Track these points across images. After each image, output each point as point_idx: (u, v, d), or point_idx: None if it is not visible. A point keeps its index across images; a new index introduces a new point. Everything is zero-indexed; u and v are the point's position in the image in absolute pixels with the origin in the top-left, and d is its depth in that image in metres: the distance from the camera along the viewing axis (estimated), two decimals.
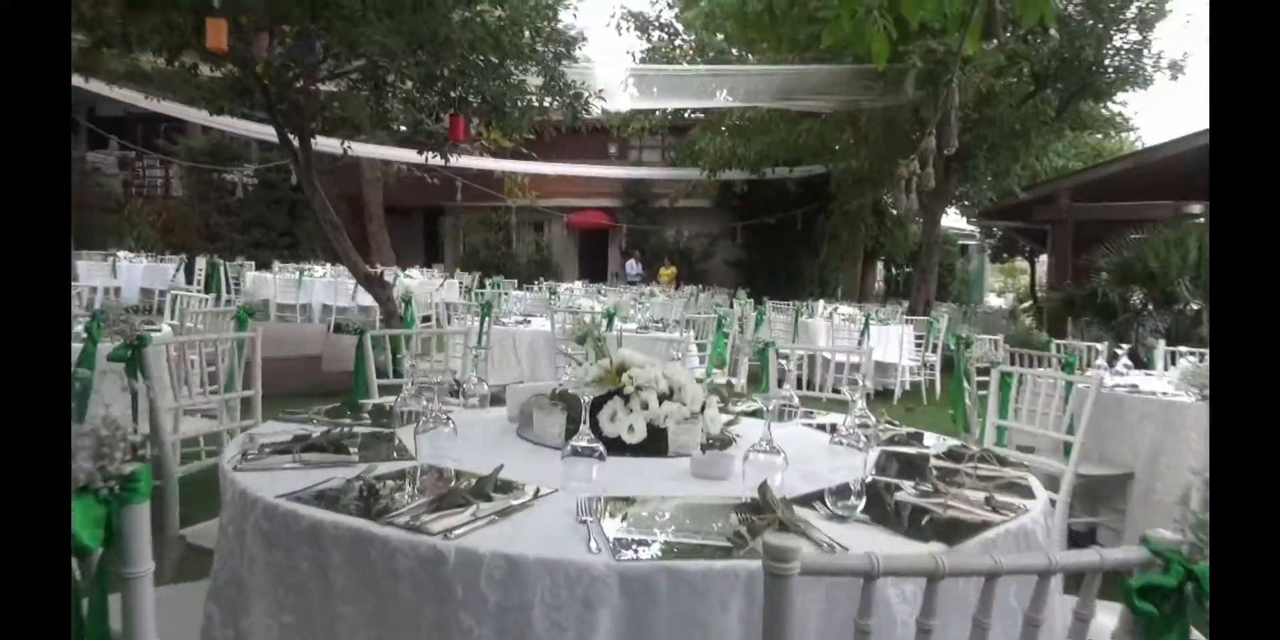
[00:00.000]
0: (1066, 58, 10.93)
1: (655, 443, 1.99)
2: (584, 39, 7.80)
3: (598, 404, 2.02)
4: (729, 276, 20.62)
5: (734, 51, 14.67)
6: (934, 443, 2.35)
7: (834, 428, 2.50)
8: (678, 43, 15.61)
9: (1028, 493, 1.79)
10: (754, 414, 2.70)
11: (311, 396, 6.00)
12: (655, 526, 1.45)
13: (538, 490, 1.59)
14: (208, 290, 12.99)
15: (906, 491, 1.71)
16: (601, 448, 1.63)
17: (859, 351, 5.16)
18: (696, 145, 15.56)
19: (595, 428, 1.99)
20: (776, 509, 1.40)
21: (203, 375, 3.39)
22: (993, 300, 27.92)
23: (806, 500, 1.62)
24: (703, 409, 2.08)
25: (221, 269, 13.08)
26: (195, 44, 6.27)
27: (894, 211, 18.70)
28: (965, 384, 4.78)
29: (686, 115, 17.35)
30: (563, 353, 2.71)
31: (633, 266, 21.18)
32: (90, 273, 12.53)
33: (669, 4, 15.30)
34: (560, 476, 1.63)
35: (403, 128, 8.60)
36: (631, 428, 1.97)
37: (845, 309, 10.05)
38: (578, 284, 14.87)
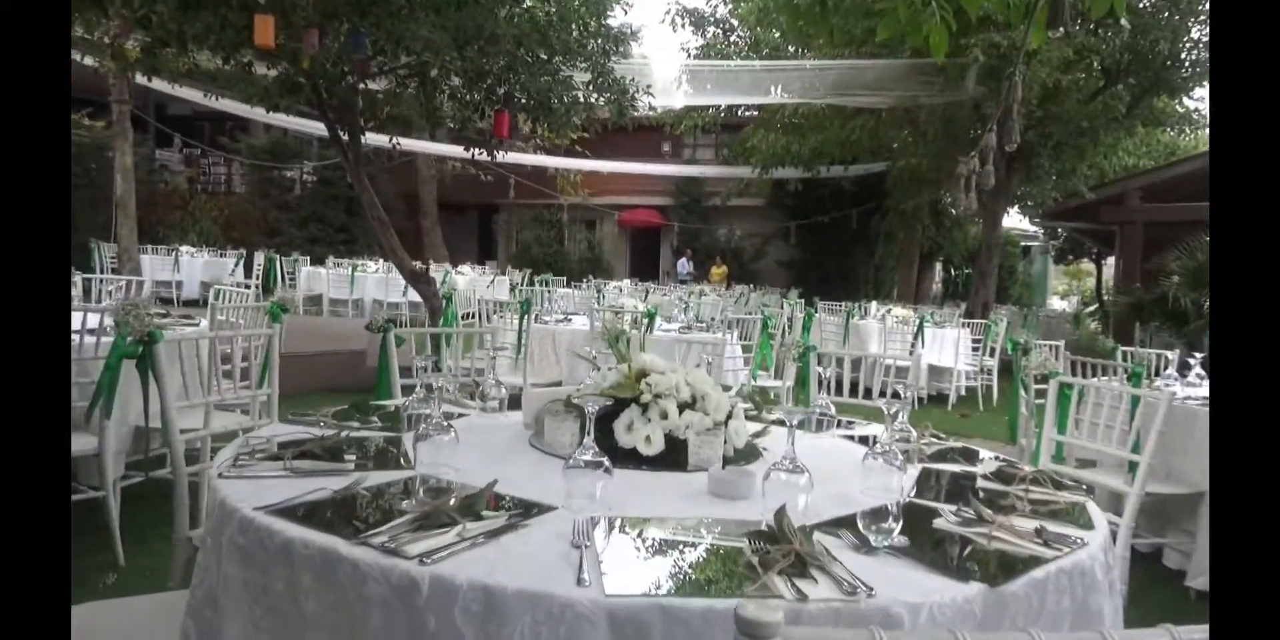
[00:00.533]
0: (1139, 50, 10.41)
1: (674, 455, 1.85)
2: (635, 35, 7.65)
3: (613, 412, 1.89)
4: (781, 277, 20.32)
5: (789, 48, 14.40)
6: (985, 459, 2.16)
7: (874, 441, 2.33)
8: (732, 39, 15.37)
9: (1086, 522, 1.60)
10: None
11: (351, 392, 5.99)
12: (658, 554, 1.32)
13: (535, 507, 1.47)
14: (265, 285, 13.27)
15: (947, 518, 1.54)
16: (607, 461, 1.50)
17: (909, 358, 4.93)
18: (749, 142, 15.32)
19: (610, 438, 1.86)
20: (793, 538, 1.25)
21: (237, 370, 3.36)
22: (1056, 303, 27.07)
23: (834, 526, 1.47)
24: (727, 419, 1.93)
25: (277, 264, 13.31)
26: (248, 42, 6.33)
27: (953, 211, 18.21)
28: (1022, 392, 4.53)
29: (740, 113, 17.11)
30: (580, 355, 2.59)
31: (684, 265, 21.01)
32: (153, 267, 12.86)
33: (723, 0, 15.09)
34: (562, 493, 1.51)
35: (452, 125, 8.58)
36: (648, 439, 1.84)
37: (899, 311, 9.73)
38: (626, 282, 14.77)
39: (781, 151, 14.67)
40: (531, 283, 12.87)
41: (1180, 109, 12.42)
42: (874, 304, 11.31)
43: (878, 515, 1.52)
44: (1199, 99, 12.81)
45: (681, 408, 1.89)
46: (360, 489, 1.52)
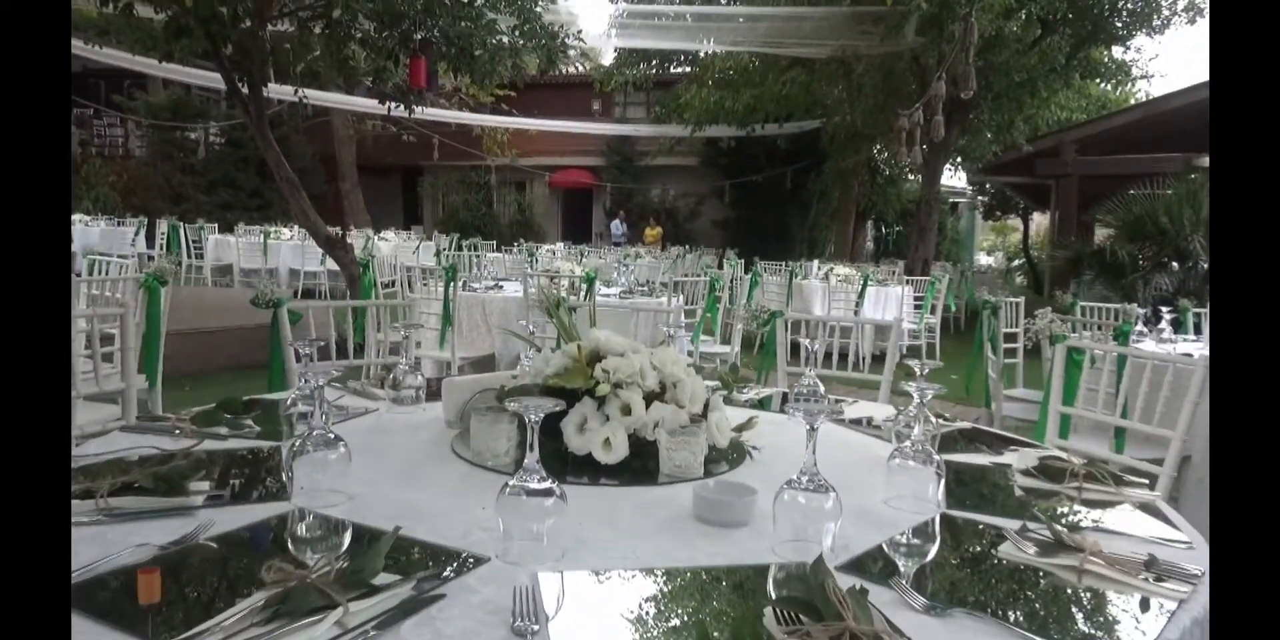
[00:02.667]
0: None
1: (640, 462, 1.43)
2: None
3: (559, 411, 1.45)
4: (716, 236, 19.99)
5: (723, 1, 13.84)
6: (1019, 448, 1.81)
7: (871, 424, 1.95)
8: None
9: (1175, 536, 1.24)
10: (763, 405, 2.15)
11: (251, 371, 5.39)
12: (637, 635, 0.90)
13: (457, 560, 1.03)
14: (169, 254, 12.31)
15: (1016, 543, 1.15)
16: (557, 488, 1.07)
17: (891, 320, 4.59)
18: (681, 99, 14.77)
19: (557, 441, 1.43)
20: (844, 610, 0.84)
21: (97, 355, 2.83)
22: (982, 259, 27.47)
23: (865, 565, 1.07)
24: (705, 412, 1.51)
25: (181, 231, 12.34)
26: None
27: (885, 169, 18.05)
28: (990, 354, 4.26)
29: (671, 69, 16.50)
30: (514, 333, 2.13)
31: (617, 227, 20.47)
32: None
33: None
34: (497, 534, 1.07)
35: (366, 79, 7.87)
36: (607, 442, 1.41)
37: (841, 269, 9.47)
38: (559, 245, 14.22)
39: (714, 107, 14.19)
40: (460, 248, 12.23)
41: (1117, 60, 12.34)
42: (815, 263, 11.04)
43: (924, 543, 1.13)
44: (1135, 49, 12.75)
45: (649, 399, 1.46)
46: (201, 540, 1.05)
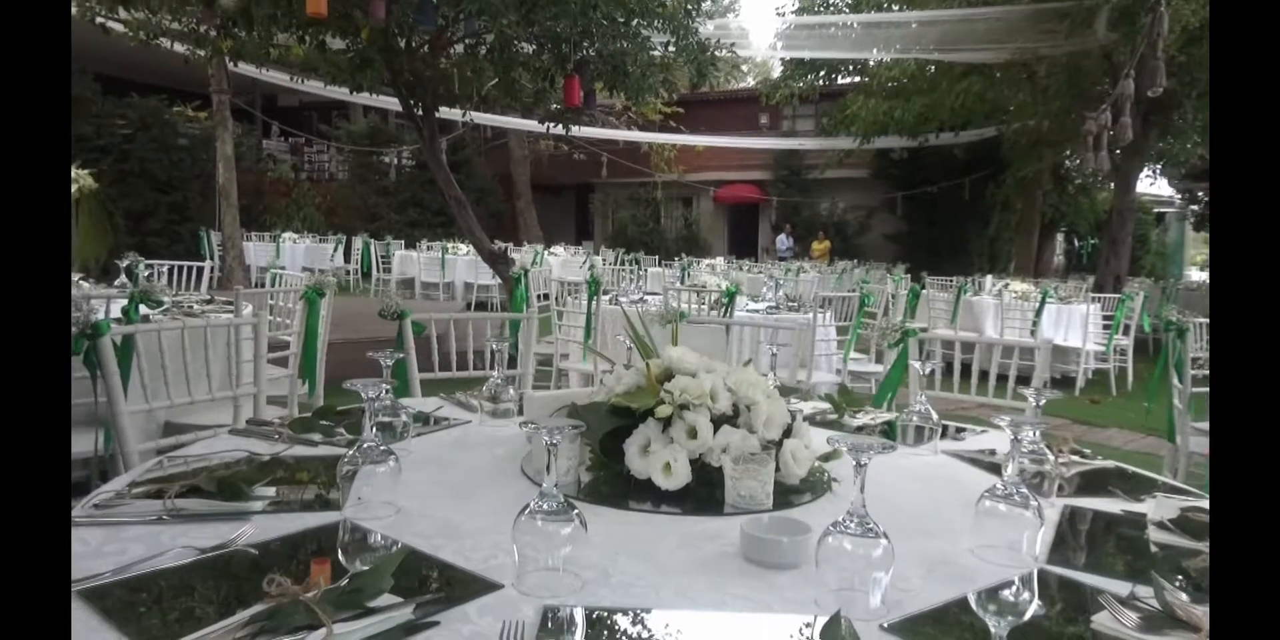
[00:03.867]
0: None
1: (706, 490, 1.34)
2: None
3: (625, 429, 1.39)
4: (888, 251, 19.25)
5: (894, 7, 13.35)
6: (1159, 495, 1.57)
7: (994, 460, 1.75)
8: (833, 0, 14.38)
9: None
10: (889, 430, 1.98)
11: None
12: None
13: (469, 585, 0.99)
14: (362, 269, 13.38)
15: (1114, 613, 0.97)
16: (576, 515, 1.01)
17: (1037, 343, 4.22)
18: (849, 110, 14.35)
19: (619, 462, 1.37)
20: None
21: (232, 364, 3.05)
22: (1194, 275, 24.80)
23: (917, 627, 0.94)
24: (782, 440, 1.40)
25: (372, 248, 13.37)
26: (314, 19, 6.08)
27: (1076, 178, 16.72)
28: (1176, 382, 3.78)
29: (839, 80, 16.10)
30: (595, 354, 2.10)
31: (783, 241, 20.16)
32: (257, 253, 13.15)
33: None
34: (516, 562, 1.02)
35: (528, 99, 8.18)
36: (668, 467, 1.33)
37: (1018, 285, 8.78)
38: (719, 260, 14.17)
39: (884, 118, 13.68)
40: (621, 262, 12.45)
41: None
42: (989, 278, 10.35)
43: (1001, 605, 0.98)
44: None
45: (718, 422, 1.37)
46: (240, 547, 1.08)
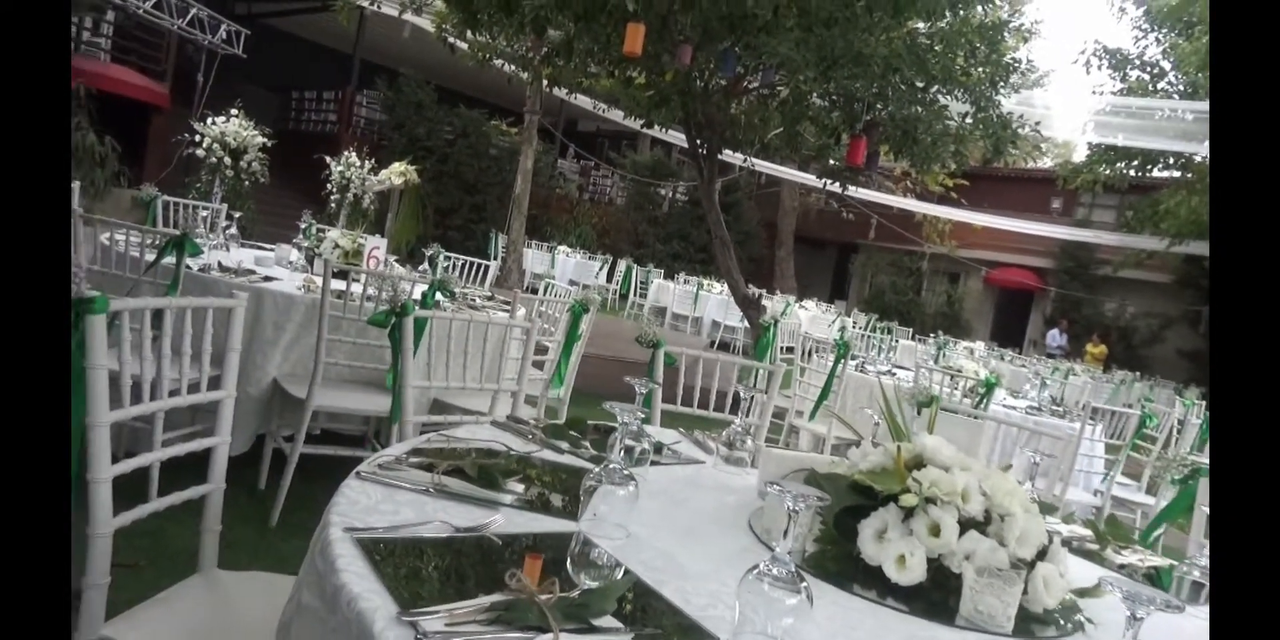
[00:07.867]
0: None
1: (940, 595, 1.25)
2: (1032, 68, 6.69)
3: (863, 508, 1.34)
4: (1180, 369, 17.09)
5: None
6: None
7: None
8: (1162, 85, 13.15)
9: None
10: (1156, 578, 1.74)
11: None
12: None
13: (686, 631, 0.99)
14: (622, 290, 14.11)
15: None
16: (805, 588, 0.98)
17: None
18: (1163, 206, 12.99)
19: (852, 542, 1.32)
20: None
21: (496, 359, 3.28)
22: None
23: None
24: (1036, 560, 1.28)
25: (634, 273, 14.05)
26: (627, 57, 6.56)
27: None
28: None
29: (1155, 172, 14.64)
30: (840, 422, 2.04)
31: (1055, 337, 18.55)
32: (533, 260, 14.30)
33: (1158, 37, 12.96)
34: (735, 620, 1.01)
35: (810, 152, 8.24)
36: (903, 560, 1.26)
37: None
38: (980, 345, 13.30)
39: (1204, 220, 12.24)
40: (873, 328, 12.09)
41: None
42: None
43: None
44: None
45: (965, 525, 1.28)
46: (489, 534, 1.16)
